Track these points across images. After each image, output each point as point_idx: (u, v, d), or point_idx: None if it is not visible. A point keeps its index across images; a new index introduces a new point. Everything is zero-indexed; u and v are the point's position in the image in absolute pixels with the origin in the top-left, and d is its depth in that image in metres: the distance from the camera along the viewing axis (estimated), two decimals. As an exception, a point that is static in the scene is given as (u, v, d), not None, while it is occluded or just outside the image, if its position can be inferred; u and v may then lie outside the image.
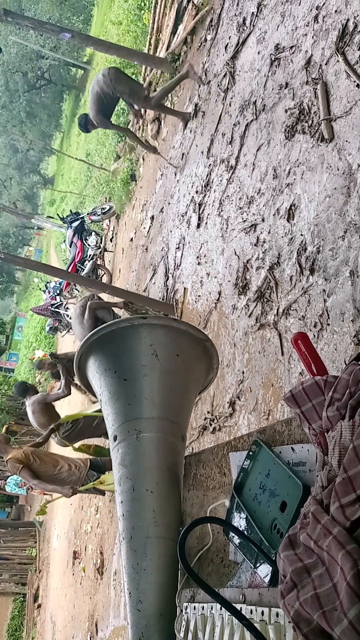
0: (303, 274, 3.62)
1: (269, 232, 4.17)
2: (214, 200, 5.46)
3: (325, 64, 3.77)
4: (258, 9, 5.07)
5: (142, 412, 1.44)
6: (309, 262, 3.56)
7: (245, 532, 1.11)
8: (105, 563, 7.58)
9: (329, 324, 3.23)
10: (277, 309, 3.86)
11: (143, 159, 9.58)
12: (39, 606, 15.03)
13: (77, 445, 6.29)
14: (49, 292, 14.40)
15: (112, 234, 12.00)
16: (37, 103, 36.35)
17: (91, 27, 29.39)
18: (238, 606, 0.99)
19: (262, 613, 0.95)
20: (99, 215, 11.49)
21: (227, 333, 4.58)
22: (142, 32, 10.30)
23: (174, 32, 8.03)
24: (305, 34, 4.10)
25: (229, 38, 5.79)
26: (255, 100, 4.79)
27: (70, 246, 11.34)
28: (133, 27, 11.25)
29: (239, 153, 5.00)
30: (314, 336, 3.30)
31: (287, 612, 0.79)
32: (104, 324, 1.55)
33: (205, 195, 5.73)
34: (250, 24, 5.21)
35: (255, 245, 4.36)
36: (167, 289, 6.51)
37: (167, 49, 8.08)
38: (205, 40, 6.67)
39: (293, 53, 4.25)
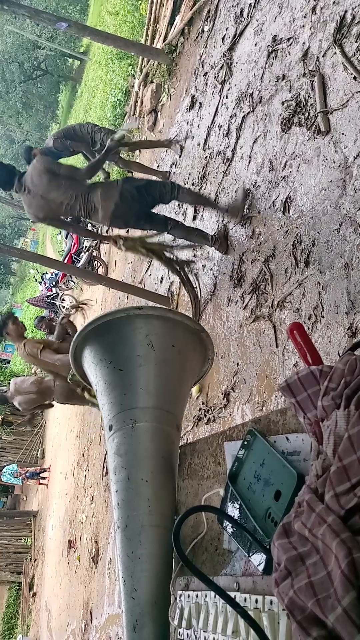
0: (298, 267, 3.63)
1: (264, 225, 4.18)
2: (209, 193, 5.45)
3: (323, 56, 3.76)
4: (256, 0, 5.05)
5: (138, 402, 1.44)
6: (304, 254, 3.56)
7: (240, 521, 1.12)
8: (100, 552, 7.62)
9: (323, 317, 3.24)
10: (272, 302, 3.87)
11: (139, 151, 9.55)
12: (34, 595, 15.11)
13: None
14: (45, 284, 14.41)
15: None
16: (33, 94, 36.15)
17: (88, 17, 29.19)
18: (232, 594, 1.00)
19: (256, 601, 0.96)
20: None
21: (222, 325, 4.59)
22: (139, 22, 10.24)
23: (171, 23, 7.98)
24: (303, 26, 4.08)
25: (226, 29, 5.76)
26: (252, 92, 4.78)
27: (67, 237, 11.32)
28: (130, 18, 11.18)
29: (235, 145, 4.99)
30: (309, 328, 3.31)
31: (281, 600, 0.80)
32: (98, 316, 1.55)
33: (201, 188, 5.72)
34: (248, 15, 5.19)
35: (250, 237, 4.36)
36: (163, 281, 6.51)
37: (164, 40, 8.04)
38: (203, 31, 6.64)
39: (290, 45, 4.24)
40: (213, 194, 5.31)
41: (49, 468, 16.45)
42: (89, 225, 7.95)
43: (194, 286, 5.09)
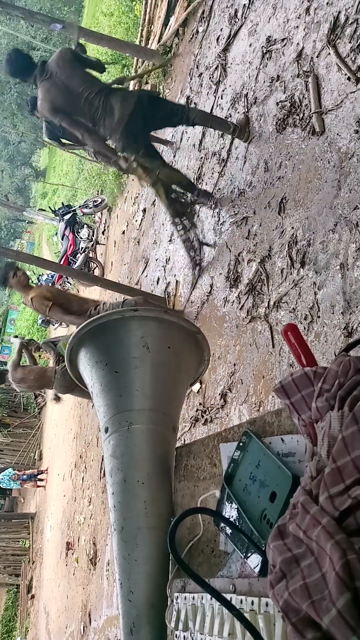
0: (294, 267, 3.63)
1: (260, 225, 4.18)
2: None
3: (317, 57, 3.77)
4: (250, 1, 5.05)
5: (134, 404, 1.44)
6: (300, 255, 3.57)
7: (236, 523, 1.12)
8: (98, 554, 7.61)
9: (319, 317, 3.24)
10: (268, 302, 3.87)
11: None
12: (33, 597, 15.10)
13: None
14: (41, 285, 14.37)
15: (104, 226, 11.97)
16: (28, 95, 36.05)
17: (82, 19, 29.18)
18: (228, 596, 1.00)
19: (252, 603, 0.96)
20: (91, 208, 11.46)
21: (219, 325, 4.59)
22: (134, 23, 10.25)
23: (165, 23, 7.99)
24: (297, 27, 4.09)
25: (221, 30, 5.77)
26: (247, 93, 4.78)
27: (62, 239, 11.32)
28: (124, 19, 11.18)
29: (230, 146, 4.99)
30: (304, 328, 3.31)
31: (276, 602, 0.80)
32: (95, 317, 1.54)
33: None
34: (242, 16, 5.20)
35: (246, 238, 4.36)
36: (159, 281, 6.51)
37: (158, 41, 8.04)
38: (197, 32, 6.64)
39: (284, 45, 4.24)
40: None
41: (46, 470, 16.42)
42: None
43: (192, 235, 5.11)
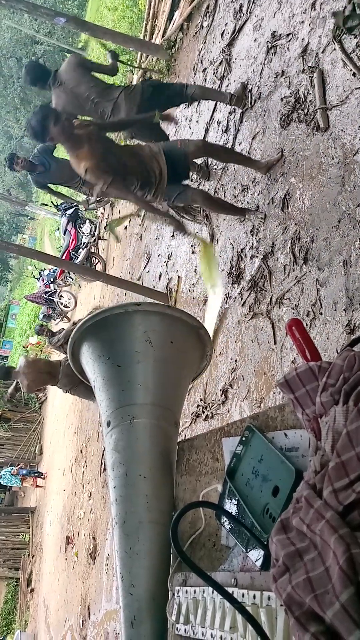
0: (297, 264, 3.62)
1: (263, 221, 4.17)
2: (208, 189, 5.44)
3: (322, 52, 3.75)
4: (255, -4, 5.03)
5: (136, 398, 1.44)
6: (303, 251, 3.56)
7: (238, 517, 1.12)
8: (98, 548, 7.63)
9: (321, 313, 3.24)
10: (270, 298, 3.86)
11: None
12: (32, 590, 15.14)
13: None
14: (43, 280, 14.39)
15: (107, 222, 11.96)
16: (31, 89, 35.96)
17: (86, 13, 29.10)
18: (230, 590, 0.99)
19: (254, 597, 0.96)
20: (93, 202, 11.44)
21: (220, 321, 4.59)
22: (138, 18, 10.21)
23: (170, 18, 7.96)
24: (302, 22, 4.07)
25: (226, 25, 5.75)
26: (251, 89, 4.77)
27: (65, 234, 11.30)
28: (129, 13, 11.15)
29: (234, 141, 4.98)
30: (307, 325, 3.31)
31: (279, 596, 0.80)
32: (96, 312, 1.54)
33: (199, 184, 5.71)
34: (247, 11, 5.18)
35: (249, 234, 4.36)
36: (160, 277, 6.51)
37: (163, 36, 8.01)
38: (202, 27, 6.62)
39: (289, 41, 4.23)
40: (212, 190, 5.30)
41: (45, 474, 16.42)
42: None
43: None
